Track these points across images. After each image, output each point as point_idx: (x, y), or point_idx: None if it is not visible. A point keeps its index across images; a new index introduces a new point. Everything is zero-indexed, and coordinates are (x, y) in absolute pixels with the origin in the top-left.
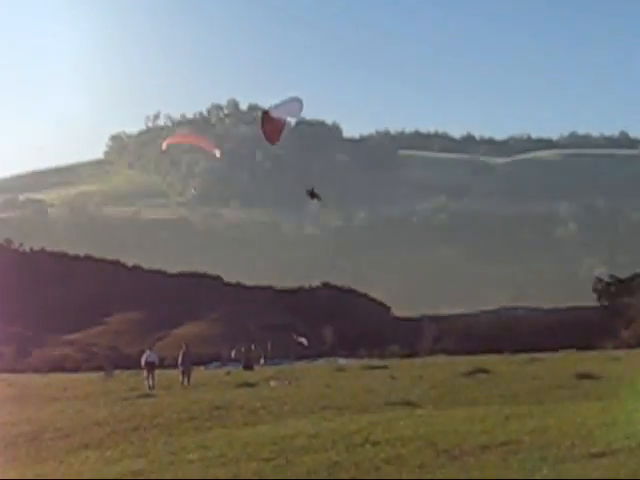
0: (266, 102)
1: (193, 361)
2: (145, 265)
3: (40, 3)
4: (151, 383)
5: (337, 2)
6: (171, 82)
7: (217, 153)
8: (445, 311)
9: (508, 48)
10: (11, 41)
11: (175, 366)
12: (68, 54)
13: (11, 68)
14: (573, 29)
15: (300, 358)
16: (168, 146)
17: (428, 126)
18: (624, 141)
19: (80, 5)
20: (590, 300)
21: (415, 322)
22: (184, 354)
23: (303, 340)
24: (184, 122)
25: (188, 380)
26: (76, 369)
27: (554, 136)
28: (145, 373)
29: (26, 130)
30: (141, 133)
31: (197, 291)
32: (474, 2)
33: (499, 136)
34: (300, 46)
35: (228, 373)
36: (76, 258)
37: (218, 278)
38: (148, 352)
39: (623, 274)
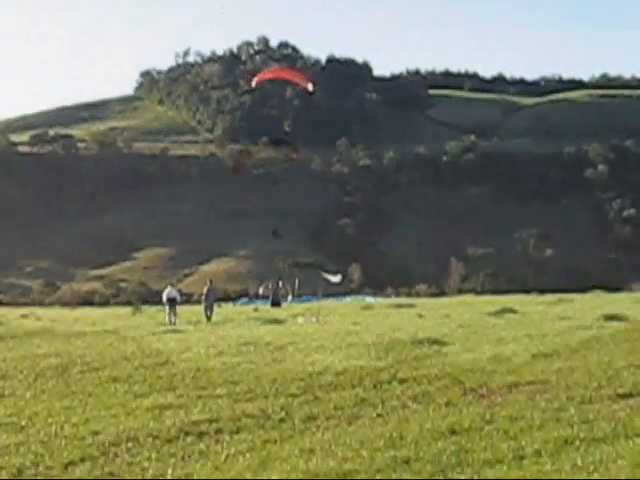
0: (296, 39)
1: (217, 297)
2: (175, 201)
3: None
4: (173, 319)
5: None
6: (201, 18)
7: (310, 87)
8: (473, 251)
9: None
10: None
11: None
12: None
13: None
14: None
15: (328, 296)
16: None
17: (459, 65)
18: None
19: None
20: (620, 241)
21: (443, 261)
22: (208, 290)
23: (334, 278)
24: (214, 58)
25: (210, 317)
26: (105, 304)
27: (585, 77)
28: (167, 309)
29: (54, 65)
30: (171, 69)
31: (224, 228)
32: None
33: (530, 76)
34: None
35: (256, 309)
36: (106, 193)
37: (246, 215)
38: (169, 288)
39: None
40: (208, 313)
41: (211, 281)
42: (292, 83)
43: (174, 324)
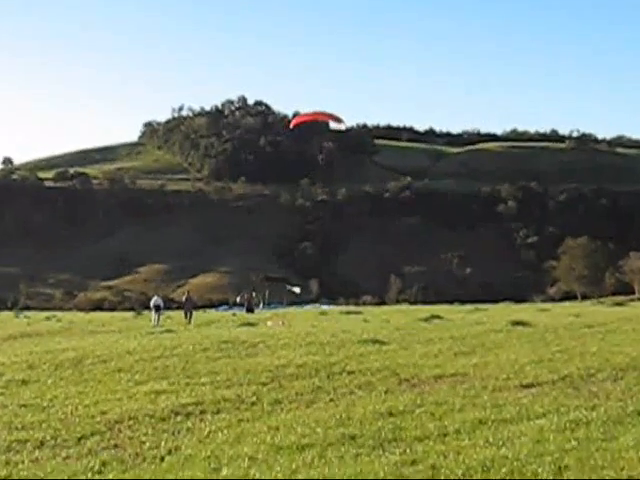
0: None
1: (195, 305)
2: (170, 227)
3: None
4: (157, 321)
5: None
6: (192, 80)
7: (342, 126)
8: (409, 268)
9: (462, 56)
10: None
11: (193, 308)
12: (104, 49)
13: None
14: (511, 34)
15: (292, 304)
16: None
17: (398, 120)
18: (554, 136)
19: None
20: (525, 262)
21: (385, 277)
22: (186, 299)
23: (296, 289)
24: (203, 113)
25: (190, 320)
26: (112, 309)
27: (499, 131)
28: (153, 313)
29: (75, 115)
30: (168, 121)
31: (209, 249)
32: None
33: (454, 130)
34: (296, 50)
35: (234, 314)
36: (114, 220)
37: (227, 239)
38: (156, 297)
39: (550, 243)
40: (187, 317)
41: (188, 292)
42: (327, 121)
43: (158, 325)
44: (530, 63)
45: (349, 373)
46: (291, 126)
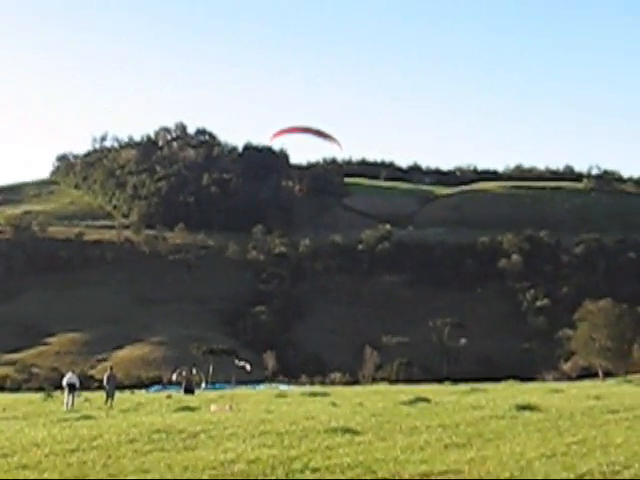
0: (213, 126)
1: (118, 384)
2: (89, 286)
3: None
4: (70, 404)
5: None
6: (118, 103)
7: (339, 148)
8: (388, 339)
9: (454, 79)
10: None
11: (118, 388)
12: (10, 70)
13: None
14: (515, 59)
15: (242, 383)
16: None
17: (375, 155)
18: (569, 174)
19: (21, 18)
20: (533, 331)
21: (358, 349)
22: (109, 377)
23: (246, 365)
24: (131, 143)
25: (111, 403)
26: (16, 389)
27: (500, 167)
28: (66, 393)
29: None
30: (88, 153)
31: (139, 313)
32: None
33: (445, 166)
34: (248, 71)
35: (169, 396)
36: (19, 277)
37: (161, 301)
38: (70, 374)
39: (564, 306)
40: (109, 399)
41: (111, 367)
42: (320, 137)
43: (73, 409)
44: (537, 85)
45: (313, 470)
46: (270, 140)
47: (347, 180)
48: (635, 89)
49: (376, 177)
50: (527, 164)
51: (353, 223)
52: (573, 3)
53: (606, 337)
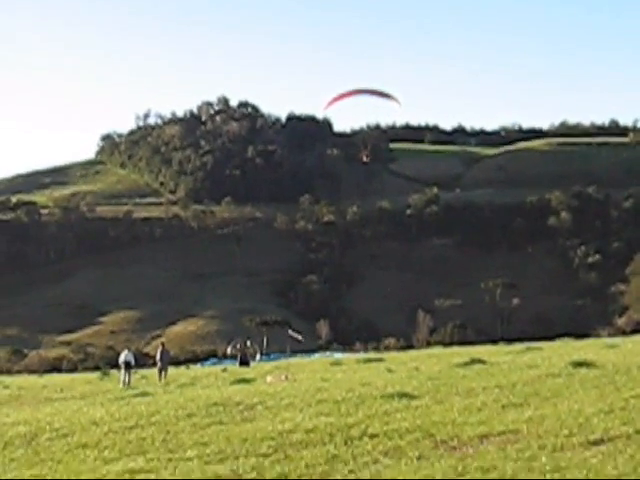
0: (255, 98)
1: (171, 359)
2: (140, 263)
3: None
4: (127, 381)
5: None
6: (160, 79)
7: (398, 103)
8: (440, 302)
9: (496, 41)
10: None
11: (173, 364)
12: (54, 53)
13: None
14: (556, 21)
15: (296, 353)
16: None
17: (419, 119)
18: (614, 129)
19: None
20: (585, 287)
21: (411, 314)
22: (162, 353)
23: (298, 336)
24: (175, 120)
25: (165, 377)
26: (73, 369)
27: (545, 125)
28: (122, 371)
29: (15, 132)
30: (132, 132)
31: (190, 288)
32: None
33: (490, 127)
34: (290, 41)
35: (224, 370)
36: (70, 259)
37: (212, 275)
38: (125, 352)
39: (616, 262)
40: (161, 375)
41: (163, 344)
42: (375, 96)
43: (130, 387)
44: (578, 39)
45: (372, 437)
46: (324, 108)
47: (392, 146)
48: None
49: (421, 141)
50: (572, 121)
51: (400, 188)
52: None
53: None
